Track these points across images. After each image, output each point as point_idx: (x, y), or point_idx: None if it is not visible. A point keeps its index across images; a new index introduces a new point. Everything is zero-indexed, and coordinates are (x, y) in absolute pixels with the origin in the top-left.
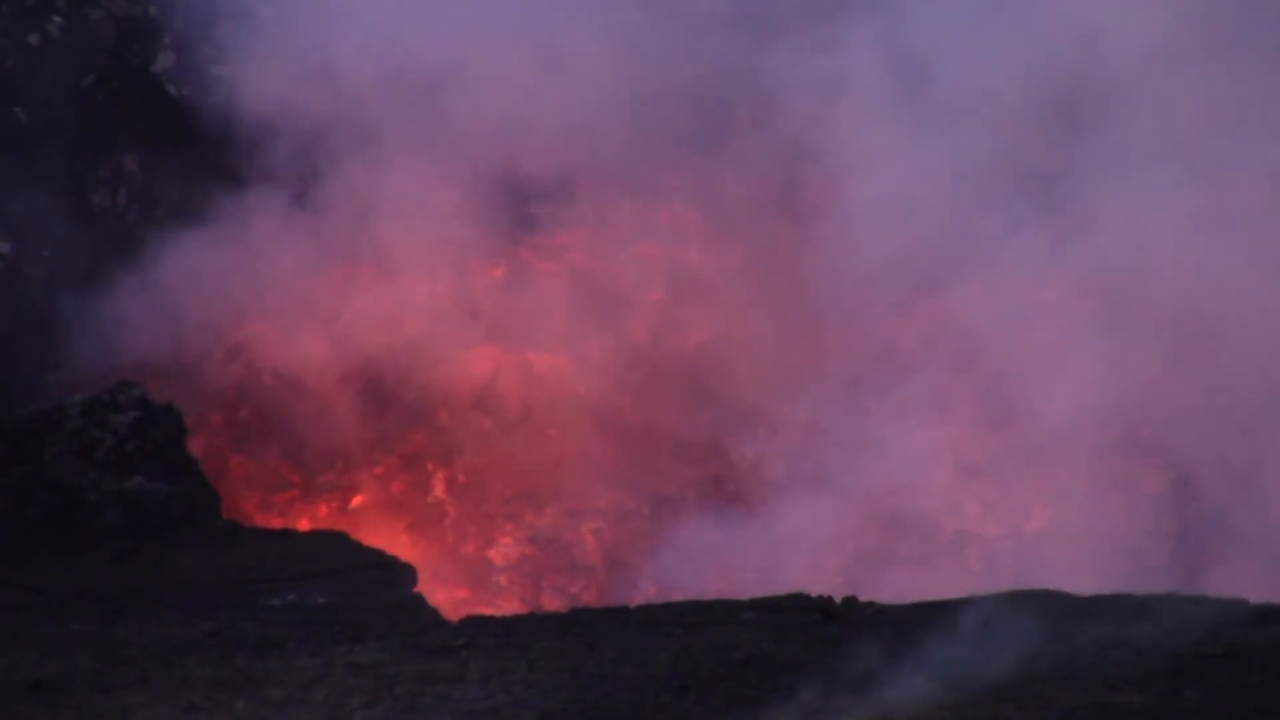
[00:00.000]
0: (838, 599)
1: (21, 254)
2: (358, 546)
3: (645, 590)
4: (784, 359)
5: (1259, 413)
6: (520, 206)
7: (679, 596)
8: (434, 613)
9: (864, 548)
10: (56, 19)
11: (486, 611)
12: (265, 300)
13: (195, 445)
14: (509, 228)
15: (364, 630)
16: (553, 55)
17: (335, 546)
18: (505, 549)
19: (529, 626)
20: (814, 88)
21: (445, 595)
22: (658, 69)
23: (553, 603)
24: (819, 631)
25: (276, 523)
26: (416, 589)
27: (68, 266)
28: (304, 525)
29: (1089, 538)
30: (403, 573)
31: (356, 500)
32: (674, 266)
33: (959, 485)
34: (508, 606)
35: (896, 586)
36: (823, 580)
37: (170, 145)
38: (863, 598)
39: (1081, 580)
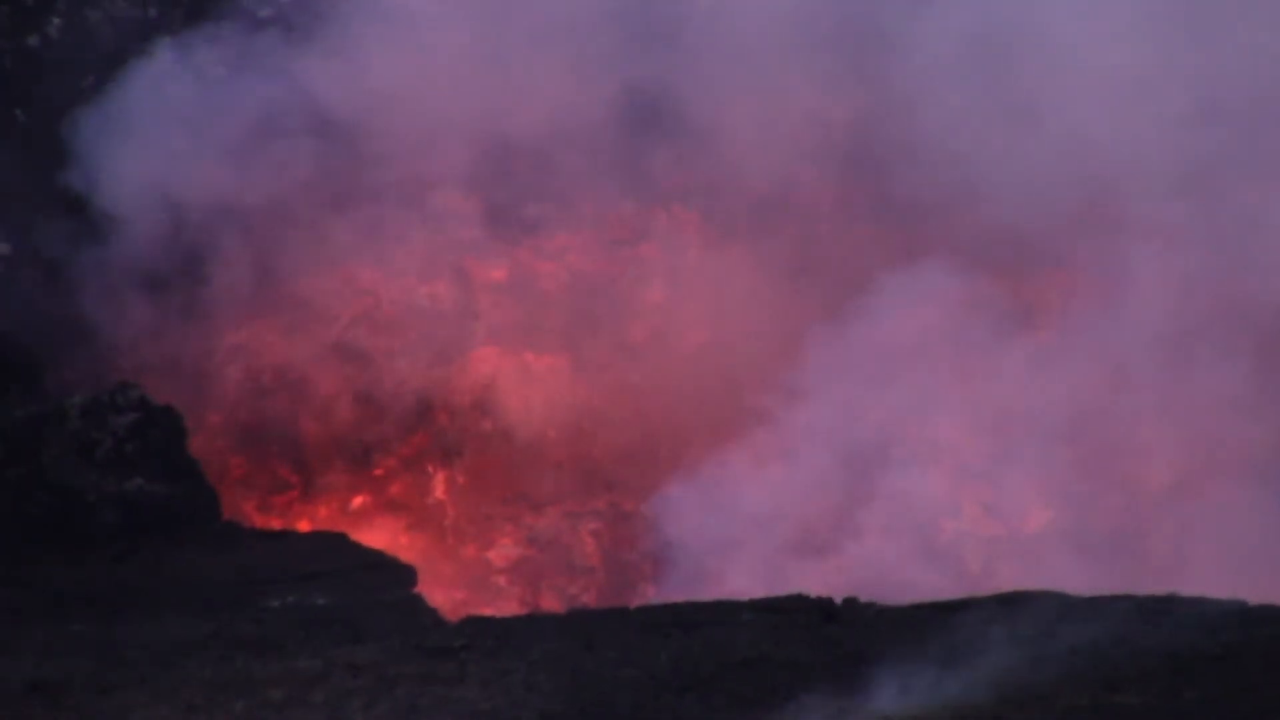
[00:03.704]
0: (838, 599)
1: (21, 254)
2: (357, 547)
3: (644, 591)
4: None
5: None
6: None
7: (678, 597)
8: (433, 614)
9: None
10: (56, 20)
11: (486, 612)
12: (265, 301)
13: (195, 446)
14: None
15: (363, 631)
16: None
17: (335, 547)
18: (504, 550)
19: (528, 627)
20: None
21: (444, 596)
22: None
23: (552, 604)
24: (819, 632)
25: (276, 524)
26: (416, 590)
27: (67, 267)
28: (304, 526)
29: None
30: (402, 574)
31: (356, 501)
32: None
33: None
34: (507, 607)
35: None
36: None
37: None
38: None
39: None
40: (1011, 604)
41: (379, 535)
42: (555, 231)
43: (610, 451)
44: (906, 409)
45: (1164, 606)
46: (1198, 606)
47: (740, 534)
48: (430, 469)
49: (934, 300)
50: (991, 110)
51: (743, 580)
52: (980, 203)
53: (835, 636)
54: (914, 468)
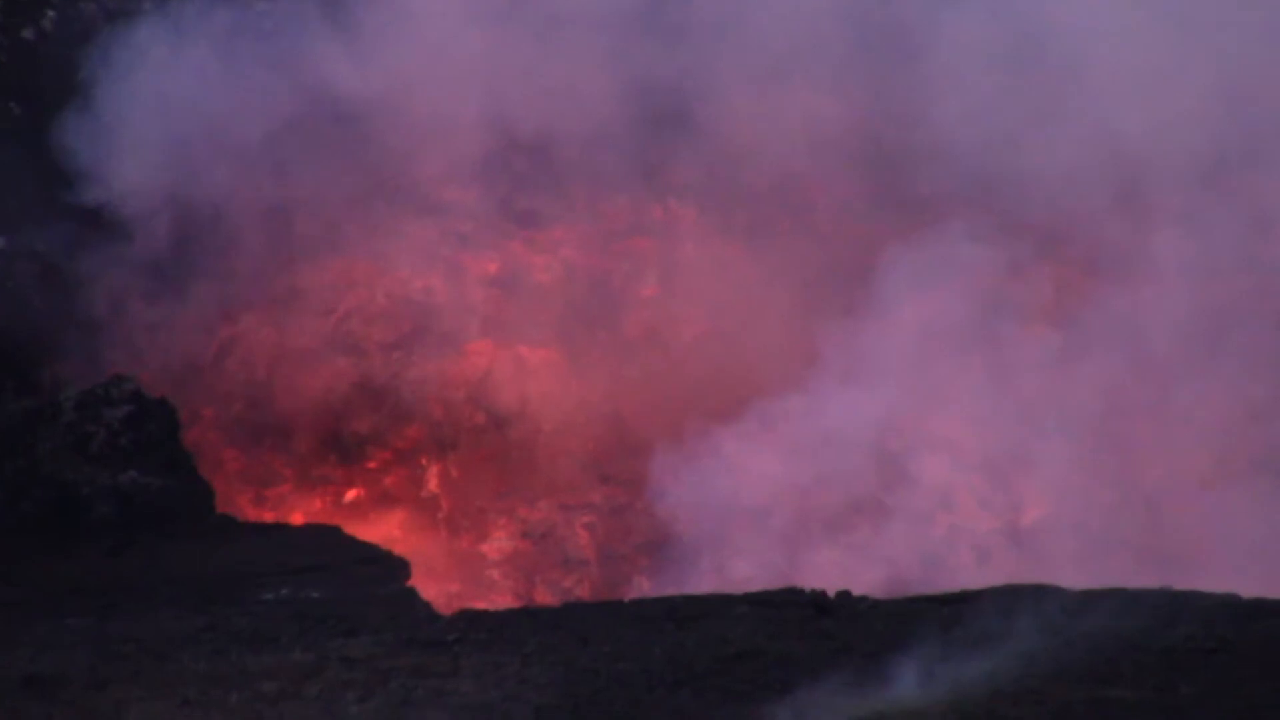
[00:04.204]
0: (831, 593)
1: (16, 249)
2: (351, 541)
3: (639, 584)
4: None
5: None
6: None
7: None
8: (427, 607)
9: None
10: (50, 13)
11: (480, 606)
12: (260, 295)
13: (189, 439)
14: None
15: (357, 624)
16: None
17: (328, 541)
18: (498, 543)
19: (522, 621)
20: None
21: (438, 589)
22: None
23: (546, 597)
24: (813, 625)
25: (270, 517)
26: (409, 583)
27: (62, 262)
28: (298, 519)
29: None
30: (396, 567)
31: (350, 494)
32: None
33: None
34: (501, 601)
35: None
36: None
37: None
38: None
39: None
40: (1005, 598)
41: (373, 529)
42: (550, 225)
43: (604, 445)
44: (909, 400)
45: (1159, 600)
46: (1193, 601)
47: (735, 525)
48: (424, 462)
49: (942, 295)
50: (1013, 104)
51: (736, 571)
52: (990, 196)
53: (829, 630)
54: (910, 460)
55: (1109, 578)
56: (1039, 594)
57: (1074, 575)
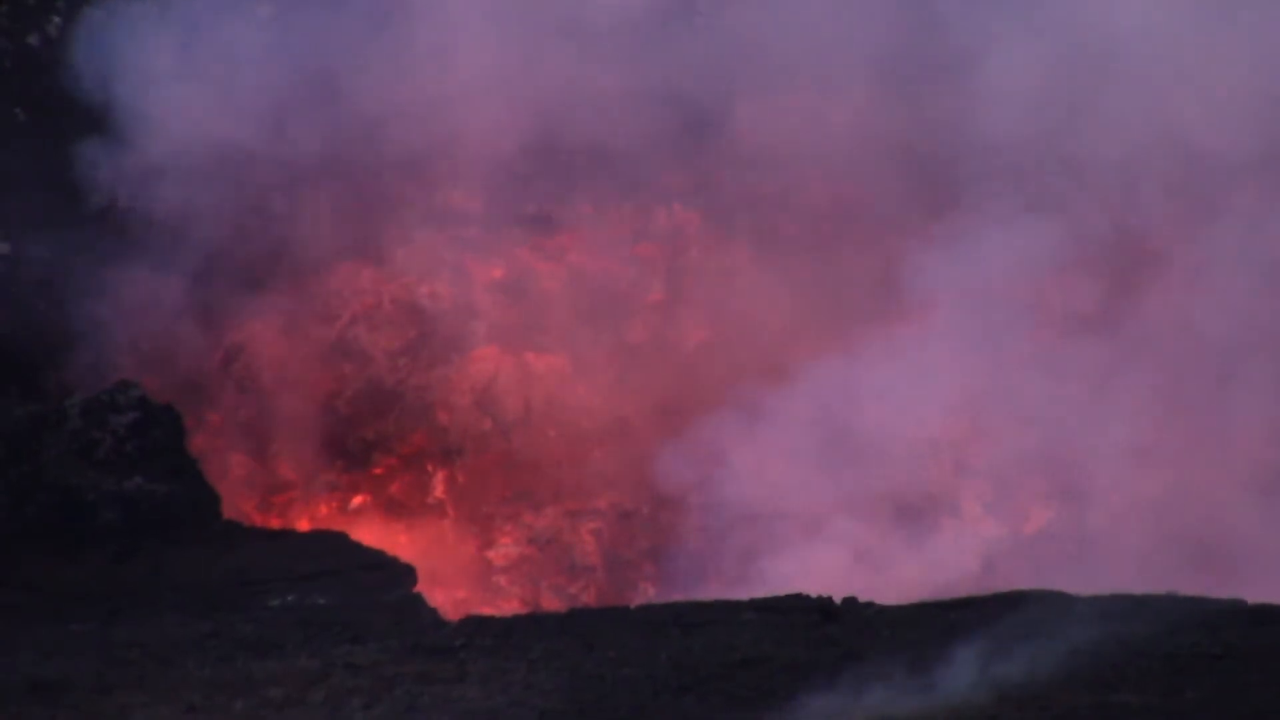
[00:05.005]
0: (837, 599)
1: (21, 254)
2: (357, 547)
3: (644, 590)
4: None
5: None
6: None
7: (678, 596)
8: (433, 613)
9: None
10: (56, 19)
11: (486, 612)
12: (264, 300)
13: (195, 445)
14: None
15: (363, 631)
16: None
17: (334, 547)
18: (504, 549)
19: (528, 627)
20: None
21: (444, 596)
22: None
23: (552, 603)
24: (819, 631)
25: (276, 523)
26: (416, 589)
27: (67, 267)
28: (303, 526)
29: None
30: (402, 573)
31: (356, 500)
32: None
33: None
34: (507, 607)
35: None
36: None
37: None
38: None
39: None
40: (1011, 604)
41: (379, 535)
42: (557, 231)
43: (610, 451)
44: (921, 406)
45: (1164, 606)
46: (1197, 606)
47: (742, 531)
48: (430, 468)
49: (951, 299)
50: (1052, 102)
51: (743, 577)
52: (1011, 198)
53: (835, 636)
54: (920, 466)
55: (1161, 583)
56: (1044, 600)
57: (1117, 580)
